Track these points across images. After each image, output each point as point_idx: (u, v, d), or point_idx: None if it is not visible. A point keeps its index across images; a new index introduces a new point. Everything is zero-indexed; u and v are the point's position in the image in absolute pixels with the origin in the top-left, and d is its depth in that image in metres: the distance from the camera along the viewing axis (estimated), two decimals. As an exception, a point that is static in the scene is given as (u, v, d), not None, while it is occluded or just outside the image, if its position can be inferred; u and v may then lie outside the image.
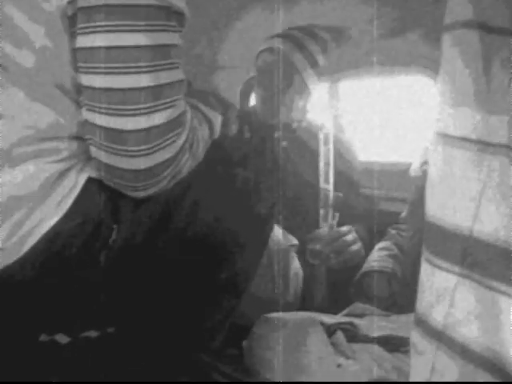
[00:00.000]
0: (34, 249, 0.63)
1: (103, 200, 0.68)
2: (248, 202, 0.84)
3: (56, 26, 0.62)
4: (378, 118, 1.78)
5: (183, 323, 0.82)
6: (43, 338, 0.69)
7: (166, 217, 0.74)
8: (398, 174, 1.61)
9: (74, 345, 0.70)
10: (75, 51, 0.62)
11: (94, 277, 0.70)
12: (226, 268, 0.81)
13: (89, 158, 0.67)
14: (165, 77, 0.63)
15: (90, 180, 0.67)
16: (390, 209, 1.63)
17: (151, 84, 0.61)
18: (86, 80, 0.62)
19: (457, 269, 0.44)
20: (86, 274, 0.69)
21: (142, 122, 0.61)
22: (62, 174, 0.65)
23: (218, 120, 0.83)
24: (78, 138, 0.67)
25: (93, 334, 0.72)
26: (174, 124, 0.65)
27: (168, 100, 0.63)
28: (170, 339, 0.81)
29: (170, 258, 0.75)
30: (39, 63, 0.62)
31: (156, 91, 0.62)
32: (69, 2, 0.60)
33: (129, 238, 0.71)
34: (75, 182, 0.66)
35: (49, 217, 0.63)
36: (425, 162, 1.18)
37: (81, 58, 0.62)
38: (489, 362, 0.41)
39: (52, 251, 0.64)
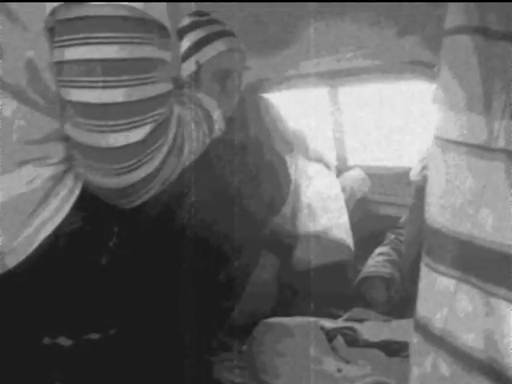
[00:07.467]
0: (35, 252, 0.63)
1: (103, 203, 0.69)
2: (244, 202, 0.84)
3: (38, 39, 0.59)
4: (378, 123, 1.79)
5: (183, 324, 0.82)
6: (46, 341, 0.69)
7: (166, 219, 0.74)
8: (398, 178, 1.61)
9: (77, 347, 0.70)
10: (54, 64, 0.60)
11: (95, 279, 0.70)
12: (224, 269, 0.82)
13: None
14: (145, 91, 0.59)
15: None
16: (389, 213, 1.63)
17: (130, 99, 0.57)
18: (66, 94, 0.59)
19: (456, 273, 0.45)
20: (88, 277, 0.69)
21: (121, 139, 0.58)
22: (61, 176, 0.65)
23: (216, 113, 0.81)
24: None
25: (95, 336, 0.72)
26: (154, 138, 0.62)
27: (148, 115, 0.60)
28: (171, 340, 0.81)
29: (170, 260, 0.75)
30: (27, 74, 0.61)
31: (135, 106, 0.58)
32: (50, 15, 0.57)
33: (129, 241, 0.71)
34: (74, 185, 0.65)
35: (49, 220, 0.63)
36: (425, 167, 1.18)
37: (58, 72, 0.59)
38: (488, 366, 0.42)
39: (53, 255, 0.64)
